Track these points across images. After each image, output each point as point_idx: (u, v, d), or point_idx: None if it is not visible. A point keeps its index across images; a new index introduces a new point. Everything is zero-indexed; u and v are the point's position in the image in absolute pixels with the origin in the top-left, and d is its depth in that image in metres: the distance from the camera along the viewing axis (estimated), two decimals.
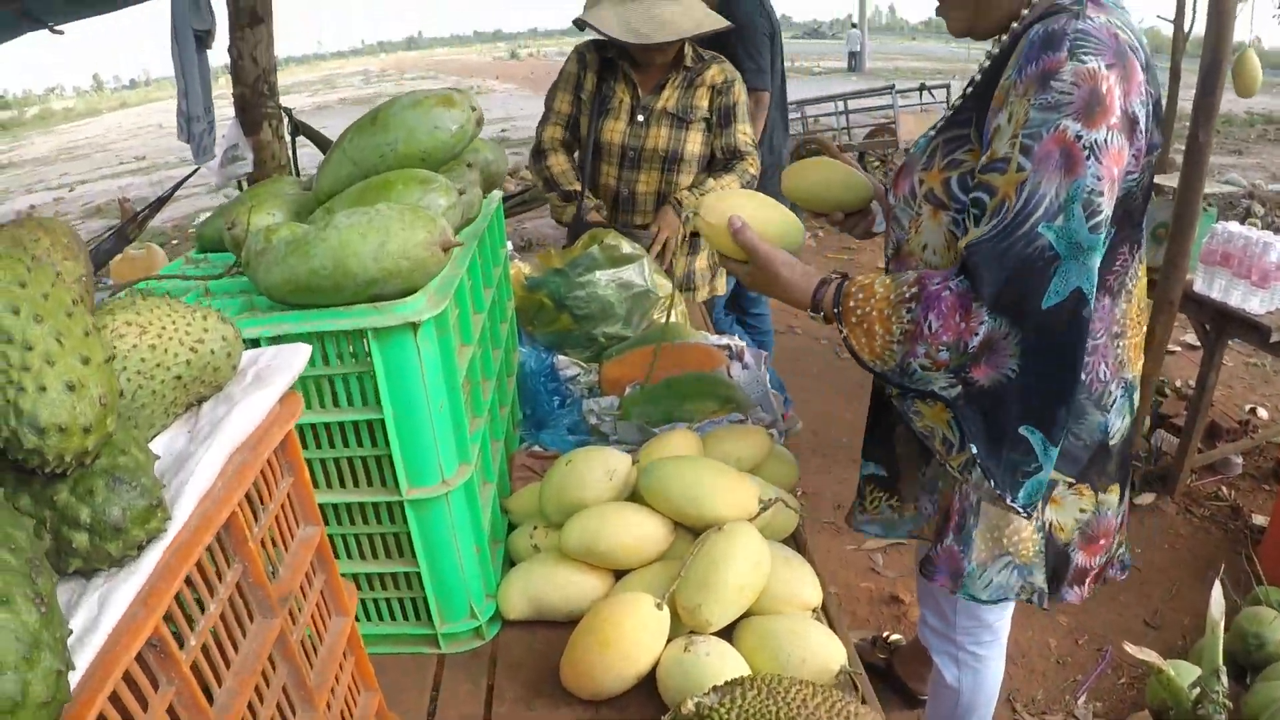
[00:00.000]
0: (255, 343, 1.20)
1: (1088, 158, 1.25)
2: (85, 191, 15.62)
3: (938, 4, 1.55)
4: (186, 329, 0.95)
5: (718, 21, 2.84)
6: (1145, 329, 1.58)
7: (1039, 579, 1.64)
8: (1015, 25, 1.45)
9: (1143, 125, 1.31)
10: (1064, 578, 1.66)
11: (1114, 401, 1.55)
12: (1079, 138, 1.25)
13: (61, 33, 5.98)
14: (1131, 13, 1.39)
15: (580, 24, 2.84)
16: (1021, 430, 1.43)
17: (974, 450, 1.47)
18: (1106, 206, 1.28)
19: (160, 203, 5.79)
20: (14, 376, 0.68)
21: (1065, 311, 1.30)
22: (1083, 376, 1.50)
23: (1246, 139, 14.44)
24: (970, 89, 1.52)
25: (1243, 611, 2.75)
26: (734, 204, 1.57)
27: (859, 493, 1.85)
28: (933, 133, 1.55)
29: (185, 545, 0.77)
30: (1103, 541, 1.65)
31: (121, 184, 15.75)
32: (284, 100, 5.66)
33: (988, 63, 1.50)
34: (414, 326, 1.20)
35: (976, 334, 1.31)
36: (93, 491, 0.73)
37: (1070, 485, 1.59)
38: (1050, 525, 1.61)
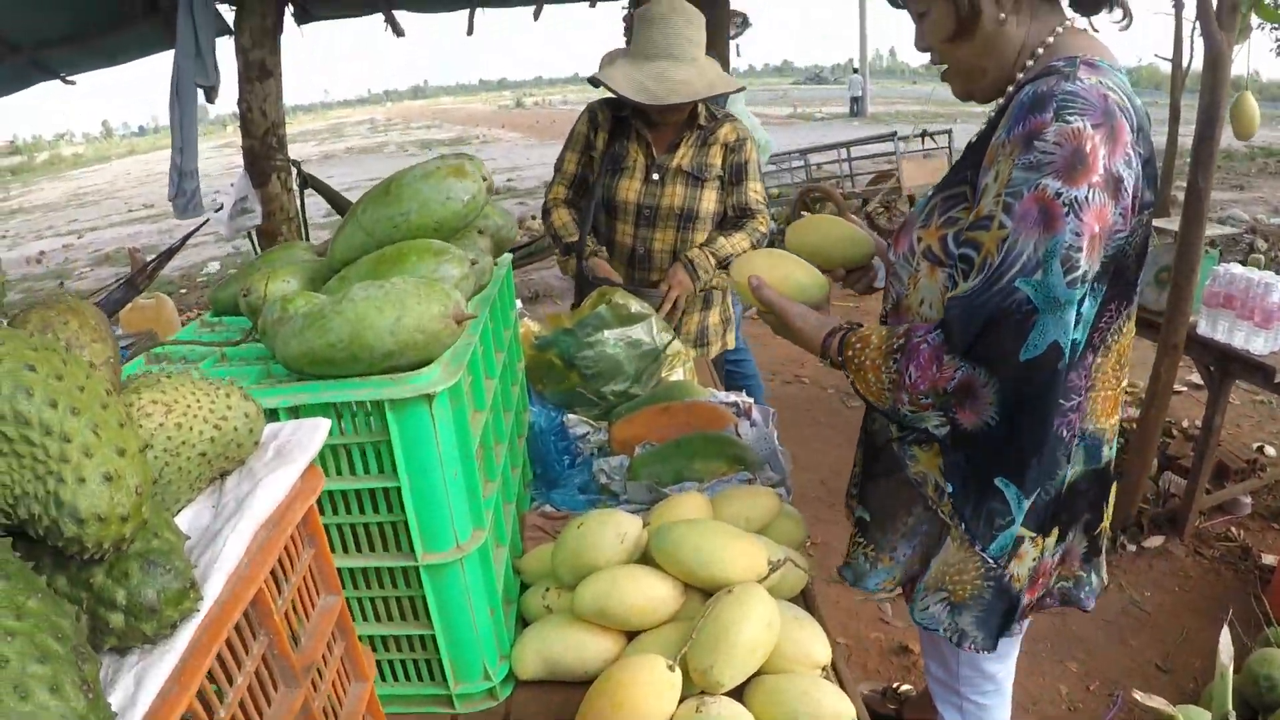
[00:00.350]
0: (274, 412, 1.23)
1: (1067, 214, 1.28)
2: (94, 239, 15.75)
3: (942, 71, 1.61)
4: (210, 407, 0.98)
5: (730, 83, 2.88)
6: (1121, 384, 1.61)
7: (965, 620, 1.66)
8: (1010, 88, 1.50)
9: (1128, 184, 1.33)
10: (1015, 617, 1.67)
11: (1073, 453, 1.59)
12: (1059, 195, 1.28)
13: (73, 83, 6.09)
14: (1126, 74, 1.43)
15: (595, 82, 2.89)
16: (997, 482, 1.50)
17: (949, 491, 1.55)
18: (1085, 263, 1.31)
19: (170, 254, 5.84)
20: (53, 468, 0.71)
21: (1043, 364, 1.33)
22: (1064, 434, 1.54)
23: (1248, 173, 14.51)
24: (967, 149, 1.57)
25: (1254, 653, 2.74)
26: (755, 264, 1.70)
27: (850, 536, 1.87)
28: (931, 191, 1.60)
29: (215, 622, 0.80)
30: (1041, 580, 1.67)
31: (130, 231, 15.89)
32: (291, 149, 5.74)
33: (984, 125, 1.55)
34: (429, 398, 1.23)
35: (952, 380, 1.37)
36: (128, 574, 0.76)
37: (1032, 539, 1.61)
38: (1010, 577, 1.63)
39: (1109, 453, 1.65)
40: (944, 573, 1.66)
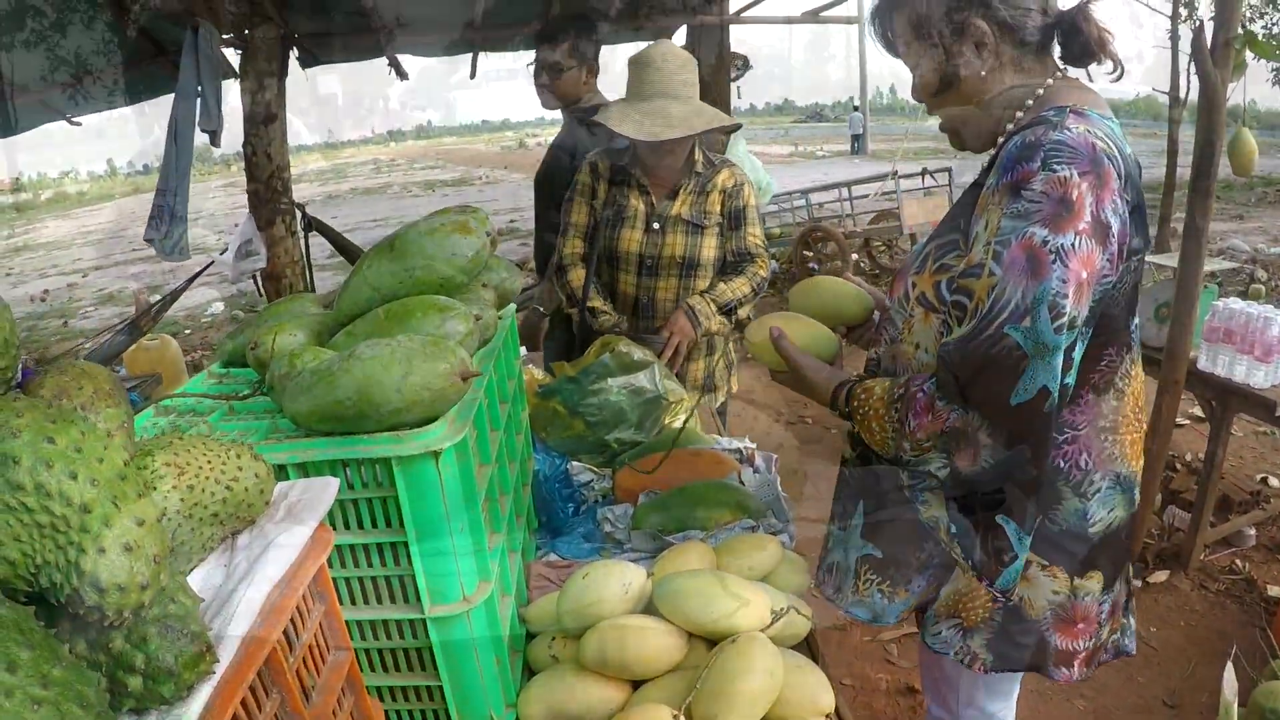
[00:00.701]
0: (281, 468, 1.25)
1: (1053, 262, 1.31)
2: (98, 277, 15.81)
3: (939, 124, 1.65)
4: (222, 468, 1.01)
5: (726, 119, 2.89)
6: (1143, 426, 1.63)
7: (975, 643, 1.68)
8: (1001, 138, 1.53)
9: (1116, 231, 1.37)
10: (1048, 656, 1.68)
11: (1096, 491, 1.60)
12: (1045, 243, 1.31)
13: (79, 123, 6.15)
14: (1124, 108, 1.47)
15: (592, 128, 2.90)
16: (999, 519, 1.53)
17: (953, 531, 1.59)
18: (1072, 309, 1.33)
19: (174, 296, 5.91)
20: (74, 538, 0.74)
21: (1033, 408, 1.36)
22: (1061, 464, 1.57)
23: (1247, 203, 14.54)
24: (962, 196, 1.60)
25: (1259, 687, 2.74)
26: (770, 323, 1.77)
27: (853, 572, 1.84)
28: (927, 237, 1.64)
29: (230, 683, 0.82)
30: (1081, 626, 1.67)
31: (134, 271, 15.94)
32: (295, 190, 5.79)
33: (978, 174, 1.58)
34: (435, 454, 1.25)
35: (946, 424, 1.41)
36: (146, 639, 0.78)
37: (1044, 567, 1.63)
38: (1020, 600, 1.65)
39: (1138, 496, 1.68)
40: (955, 601, 1.69)
